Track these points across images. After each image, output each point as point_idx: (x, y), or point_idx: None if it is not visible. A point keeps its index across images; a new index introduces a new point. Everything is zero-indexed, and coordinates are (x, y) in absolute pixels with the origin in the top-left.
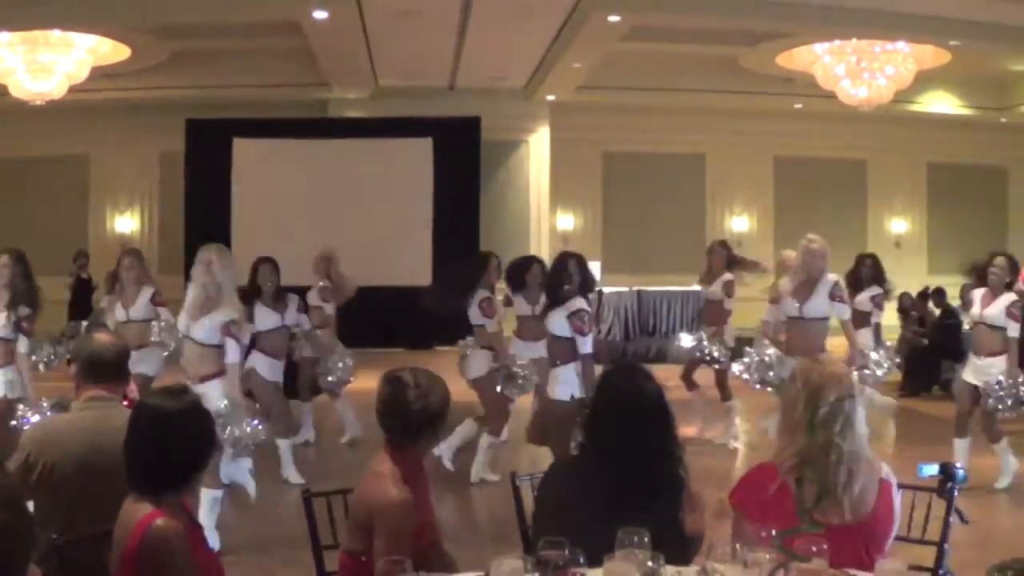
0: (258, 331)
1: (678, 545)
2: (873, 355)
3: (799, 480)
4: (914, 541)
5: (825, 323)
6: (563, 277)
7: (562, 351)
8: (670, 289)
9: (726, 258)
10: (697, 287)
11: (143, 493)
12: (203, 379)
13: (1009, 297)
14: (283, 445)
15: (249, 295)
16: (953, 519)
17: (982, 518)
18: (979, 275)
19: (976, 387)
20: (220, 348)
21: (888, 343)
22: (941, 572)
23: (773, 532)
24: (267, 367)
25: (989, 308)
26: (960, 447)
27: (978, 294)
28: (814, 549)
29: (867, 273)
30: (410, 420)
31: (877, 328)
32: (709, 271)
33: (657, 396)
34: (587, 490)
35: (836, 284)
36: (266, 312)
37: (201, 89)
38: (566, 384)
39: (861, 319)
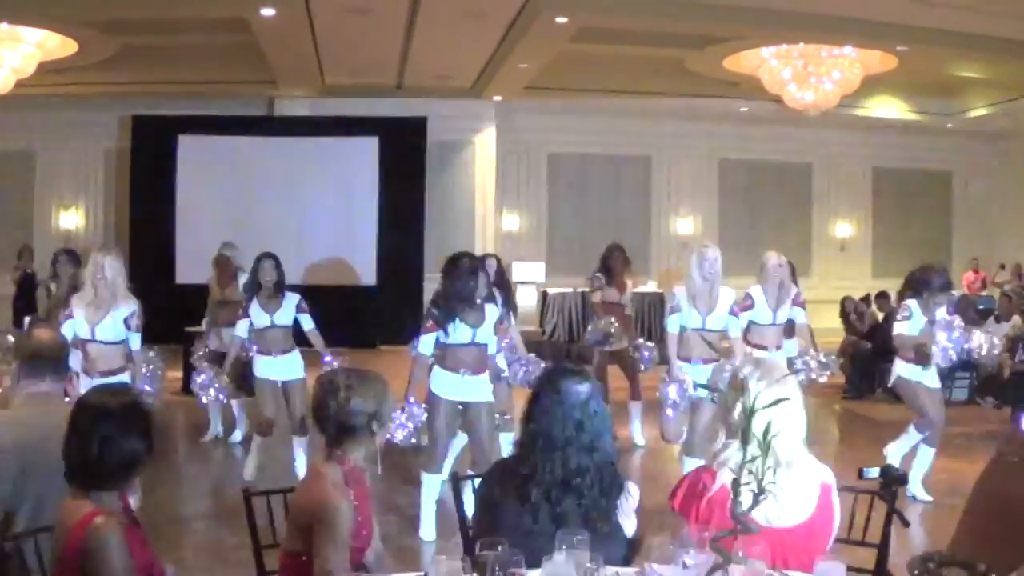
0: (256, 328)
1: (617, 546)
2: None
3: (736, 482)
4: (855, 543)
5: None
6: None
7: (483, 359)
8: None
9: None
10: (640, 289)
11: (82, 490)
12: (107, 374)
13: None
14: (255, 441)
15: (250, 291)
16: (894, 521)
17: (923, 520)
18: (915, 287)
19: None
20: (124, 343)
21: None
22: (882, 573)
23: (711, 534)
24: (258, 364)
25: None
26: (932, 456)
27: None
28: (753, 550)
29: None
30: (343, 422)
31: (808, 329)
32: (612, 275)
33: (589, 396)
34: (525, 491)
35: (735, 299)
36: (258, 310)
37: (148, 85)
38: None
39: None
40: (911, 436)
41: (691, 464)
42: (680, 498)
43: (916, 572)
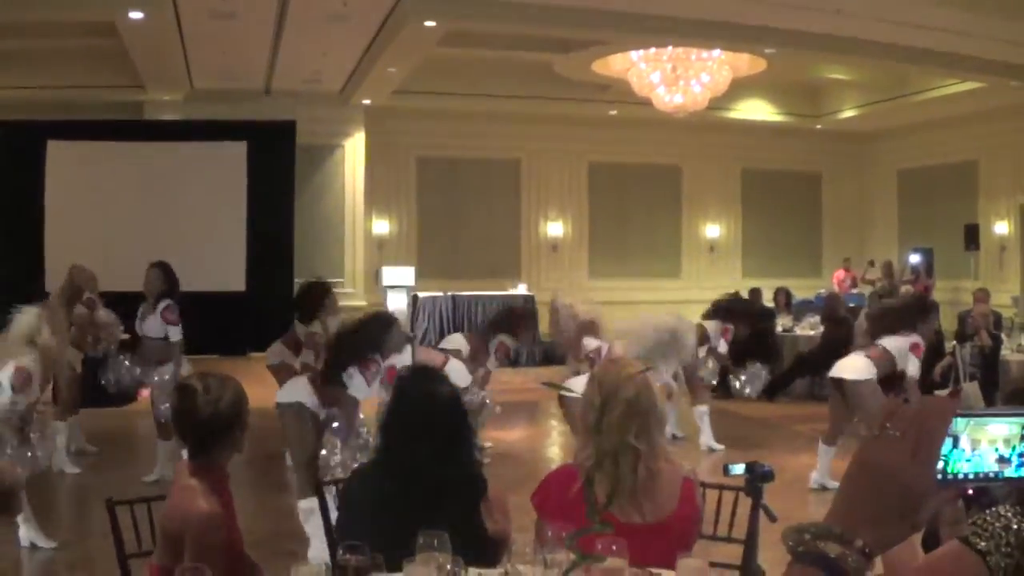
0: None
1: (481, 547)
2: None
3: (590, 480)
4: (722, 539)
5: None
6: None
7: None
8: (484, 293)
9: None
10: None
11: None
12: None
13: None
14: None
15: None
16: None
17: (797, 515)
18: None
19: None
20: None
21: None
22: (749, 569)
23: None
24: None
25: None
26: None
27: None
28: (613, 548)
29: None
30: (202, 428)
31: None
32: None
33: (450, 399)
34: (386, 494)
35: None
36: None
37: (15, 91)
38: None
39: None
40: (825, 455)
41: None
42: (541, 496)
43: (791, 543)
